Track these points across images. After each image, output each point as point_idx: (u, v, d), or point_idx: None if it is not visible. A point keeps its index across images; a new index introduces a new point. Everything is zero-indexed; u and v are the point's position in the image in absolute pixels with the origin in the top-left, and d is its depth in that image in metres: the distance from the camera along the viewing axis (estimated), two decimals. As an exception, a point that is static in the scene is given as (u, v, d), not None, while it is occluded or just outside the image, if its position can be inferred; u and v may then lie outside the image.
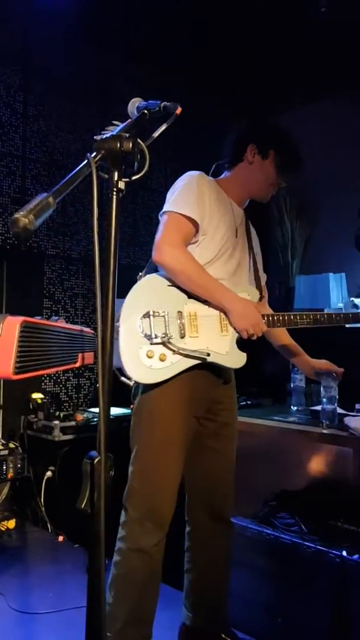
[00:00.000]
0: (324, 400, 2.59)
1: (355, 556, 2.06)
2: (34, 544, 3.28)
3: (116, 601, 1.87)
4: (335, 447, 2.47)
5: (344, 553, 2.09)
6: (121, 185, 1.07)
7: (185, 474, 2.11)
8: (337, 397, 2.59)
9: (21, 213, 0.89)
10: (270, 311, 2.25)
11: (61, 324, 1.02)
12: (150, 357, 1.83)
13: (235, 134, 2.14)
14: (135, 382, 1.86)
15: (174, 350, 1.84)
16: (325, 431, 2.49)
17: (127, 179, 1.10)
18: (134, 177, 1.11)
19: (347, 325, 3.63)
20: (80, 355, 1.05)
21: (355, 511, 2.30)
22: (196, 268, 1.89)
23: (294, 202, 4.59)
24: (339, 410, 2.61)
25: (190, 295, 1.93)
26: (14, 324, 0.79)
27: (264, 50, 4.03)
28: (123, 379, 1.82)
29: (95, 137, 1.06)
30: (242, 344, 2.00)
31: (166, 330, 1.83)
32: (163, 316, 1.84)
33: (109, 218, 1.06)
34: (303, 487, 2.56)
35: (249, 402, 3.11)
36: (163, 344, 1.83)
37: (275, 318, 2.02)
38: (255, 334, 1.94)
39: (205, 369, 1.95)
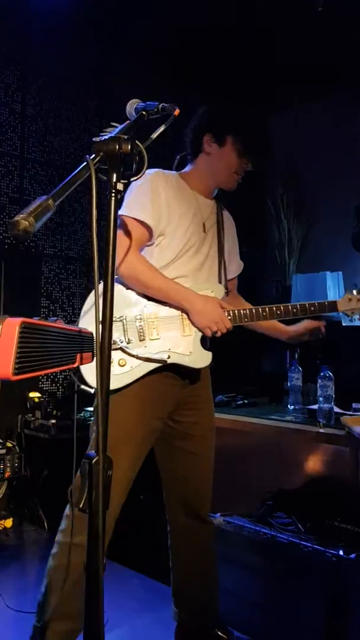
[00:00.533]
0: (321, 399, 2.60)
1: (352, 555, 2.07)
2: (31, 542, 3.28)
3: (48, 592, 1.83)
4: (332, 446, 2.48)
5: (341, 552, 2.10)
6: (119, 186, 1.07)
7: (161, 474, 2.13)
8: (334, 396, 2.61)
9: (21, 215, 0.90)
10: (244, 305, 2.22)
11: (59, 324, 1.03)
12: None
13: (190, 126, 2.05)
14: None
15: (132, 355, 1.81)
16: (322, 430, 2.50)
17: (126, 181, 1.11)
18: (132, 179, 1.12)
19: (343, 324, 3.66)
20: (78, 355, 1.05)
21: (352, 510, 2.31)
22: (148, 271, 1.86)
23: (291, 201, 4.60)
24: (336, 409, 2.63)
25: (150, 297, 1.89)
26: (13, 325, 0.79)
27: (263, 51, 4.03)
28: (83, 387, 1.78)
29: (94, 138, 1.07)
30: (214, 342, 1.97)
31: (124, 335, 1.82)
32: (121, 321, 1.83)
33: (107, 219, 1.07)
34: (300, 487, 2.57)
35: (245, 401, 3.13)
36: (121, 349, 1.81)
37: (242, 313, 1.95)
38: (220, 331, 1.88)
39: (169, 370, 1.90)
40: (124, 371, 1.82)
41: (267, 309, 1.98)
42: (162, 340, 1.86)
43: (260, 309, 1.98)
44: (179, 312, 1.90)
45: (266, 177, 4.89)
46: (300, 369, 2.96)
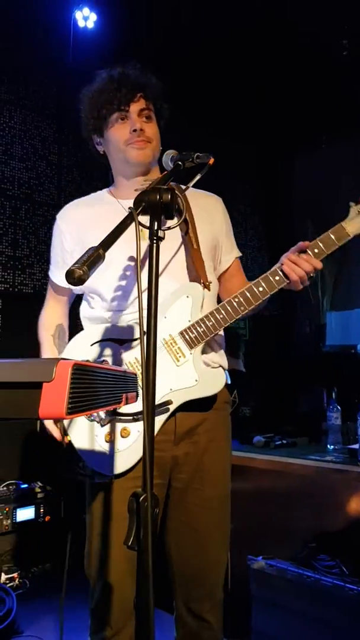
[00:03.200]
0: (361, 438, 2.57)
1: None
2: (72, 585, 3.26)
3: None
4: (374, 486, 2.43)
5: (388, 595, 2.05)
6: (160, 234, 1.13)
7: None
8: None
9: (76, 265, 0.97)
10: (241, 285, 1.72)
11: (106, 365, 1.07)
12: (110, 441, 1.52)
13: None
14: (114, 476, 1.54)
15: (132, 417, 1.51)
16: (363, 470, 2.46)
17: (167, 228, 1.17)
18: (172, 226, 1.17)
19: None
20: (124, 395, 1.09)
21: None
22: (40, 331, 1.83)
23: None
24: (377, 449, 2.59)
25: (123, 341, 1.61)
26: (66, 366, 0.83)
27: (289, 90, 4.15)
28: (98, 479, 1.55)
29: (135, 189, 1.13)
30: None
31: None
32: None
33: (149, 264, 1.12)
34: (342, 528, 2.51)
35: (284, 442, 3.10)
36: (113, 419, 1.52)
37: (237, 299, 1.58)
38: None
39: (186, 409, 1.58)
40: (133, 440, 1.53)
41: (242, 295, 1.57)
42: (158, 382, 1.36)
43: (234, 302, 1.58)
44: (162, 340, 1.57)
45: (295, 215, 4.96)
46: (339, 407, 2.94)
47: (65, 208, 1.87)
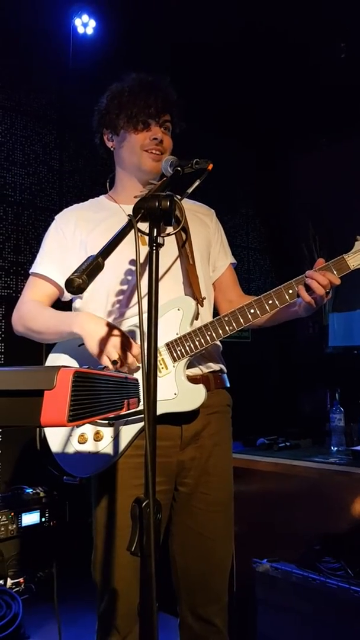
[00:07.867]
0: (365, 439, 2.57)
1: None
2: (78, 590, 3.26)
3: None
4: (378, 487, 2.43)
5: (393, 597, 2.04)
6: (160, 240, 1.13)
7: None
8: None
9: (75, 274, 0.97)
10: (242, 301, 1.72)
11: (107, 372, 1.07)
12: (83, 443, 1.53)
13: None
14: (81, 479, 1.58)
15: (106, 422, 1.51)
16: (367, 471, 2.46)
17: (166, 234, 1.17)
18: (172, 232, 1.18)
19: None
20: (126, 401, 1.10)
21: None
22: (33, 314, 1.66)
23: (324, 241, 4.64)
24: (380, 450, 2.59)
25: None
26: (67, 374, 0.84)
27: (289, 94, 4.14)
28: (67, 479, 1.59)
29: (134, 196, 1.14)
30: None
31: None
32: None
33: (149, 270, 1.12)
34: (347, 530, 2.51)
35: (287, 444, 3.10)
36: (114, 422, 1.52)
37: (227, 318, 1.58)
38: (120, 361, 1.40)
39: (162, 422, 1.46)
40: (105, 445, 1.53)
41: (254, 305, 1.58)
42: None
43: (245, 308, 1.58)
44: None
45: (297, 218, 4.96)
46: (342, 409, 2.94)
47: (65, 210, 1.85)
